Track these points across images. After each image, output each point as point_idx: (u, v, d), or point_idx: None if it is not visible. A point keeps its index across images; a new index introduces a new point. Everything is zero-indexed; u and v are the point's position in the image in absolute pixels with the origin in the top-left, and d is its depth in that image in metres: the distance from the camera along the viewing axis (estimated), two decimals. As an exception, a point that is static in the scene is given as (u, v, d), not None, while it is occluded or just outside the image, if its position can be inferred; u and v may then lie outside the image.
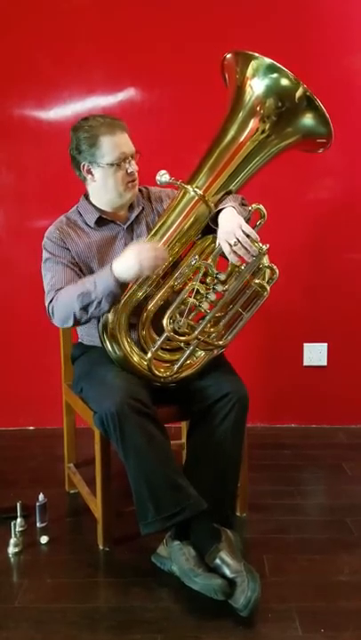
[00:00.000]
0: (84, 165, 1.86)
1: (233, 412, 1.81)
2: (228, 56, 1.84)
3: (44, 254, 1.91)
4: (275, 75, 1.75)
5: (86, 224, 1.93)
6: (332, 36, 2.64)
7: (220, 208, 1.78)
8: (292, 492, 2.24)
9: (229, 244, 1.72)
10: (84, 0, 2.63)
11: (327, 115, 1.78)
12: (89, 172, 1.87)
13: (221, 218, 1.76)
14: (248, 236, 1.71)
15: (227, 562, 1.65)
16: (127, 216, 1.95)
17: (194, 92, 2.61)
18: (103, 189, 1.89)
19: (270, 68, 1.75)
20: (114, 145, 1.82)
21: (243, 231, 1.71)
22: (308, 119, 1.79)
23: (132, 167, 1.85)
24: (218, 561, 1.66)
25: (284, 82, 1.76)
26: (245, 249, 1.71)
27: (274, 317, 2.76)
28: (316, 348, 2.81)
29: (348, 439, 2.71)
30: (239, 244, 1.71)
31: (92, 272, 1.88)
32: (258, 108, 1.78)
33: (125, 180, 1.86)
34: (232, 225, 1.72)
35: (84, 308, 1.76)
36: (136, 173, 1.88)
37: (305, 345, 2.81)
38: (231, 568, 1.64)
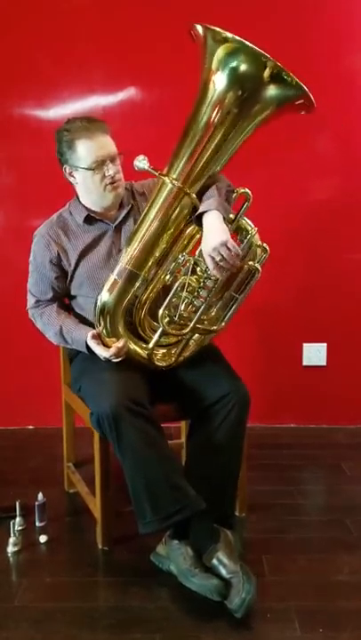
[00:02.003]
0: (66, 168, 1.89)
1: (233, 413, 1.81)
2: (199, 29, 1.79)
3: (31, 252, 2.00)
4: (235, 62, 1.70)
5: (76, 223, 1.95)
6: (333, 36, 2.63)
7: (203, 210, 1.74)
8: (292, 492, 2.24)
9: (214, 260, 1.70)
10: (84, 0, 2.63)
11: (291, 76, 1.69)
12: (71, 174, 1.90)
13: (206, 227, 1.73)
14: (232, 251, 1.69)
15: (224, 562, 1.65)
16: (116, 215, 1.96)
17: (194, 91, 2.60)
18: (85, 191, 1.91)
19: (233, 54, 1.70)
20: (90, 149, 1.83)
21: (227, 247, 1.69)
22: (272, 90, 1.73)
23: (111, 170, 1.85)
24: (215, 561, 1.66)
25: (244, 67, 1.70)
26: (230, 264, 1.71)
27: (273, 317, 2.76)
28: (315, 348, 2.81)
29: (347, 439, 2.71)
30: (224, 261, 1.70)
31: (75, 270, 1.93)
32: (218, 107, 1.75)
33: (104, 182, 1.86)
34: (217, 240, 1.69)
35: (60, 343, 1.97)
36: (118, 175, 1.87)
37: (304, 345, 2.81)
38: (228, 569, 1.64)
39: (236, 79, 1.73)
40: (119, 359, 1.78)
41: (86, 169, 1.85)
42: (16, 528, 1.94)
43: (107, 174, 1.85)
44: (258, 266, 1.80)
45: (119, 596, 1.70)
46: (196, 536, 1.72)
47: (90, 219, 1.94)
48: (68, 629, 1.58)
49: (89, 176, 1.86)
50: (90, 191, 1.90)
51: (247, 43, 1.69)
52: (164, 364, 1.84)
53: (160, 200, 1.78)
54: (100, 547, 1.92)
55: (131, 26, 2.61)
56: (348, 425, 2.83)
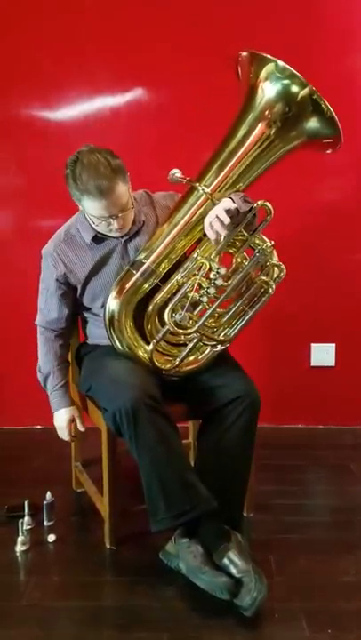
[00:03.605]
0: (74, 200, 1.84)
1: (244, 417, 1.80)
2: (244, 54, 1.84)
3: (41, 270, 1.99)
4: (287, 80, 1.76)
5: (84, 240, 1.91)
6: (334, 36, 2.62)
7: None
8: (299, 493, 2.24)
9: (210, 222, 1.74)
10: (87, 0, 2.63)
11: (334, 116, 1.76)
12: (78, 206, 1.86)
13: None
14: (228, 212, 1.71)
15: (235, 562, 1.65)
16: (126, 231, 1.89)
17: (198, 91, 2.60)
18: (91, 224, 1.88)
19: (283, 73, 1.75)
20: (95, 208, 1.77)
21: (223, 209, 1.71)
22: (312, 122, 1.79)
23: (116, 224, 1.81)
24: (226, 560, 1.66)
25: (295, 88, 1.76)
26: (220, 222, 1.71)
27: (281, 317, 2.75)
28: (323, 348, 2.81)
29: (355, 440, 2.70)
30: (216, 218, 1.72)
31: (85, 286, 1.93)
32: (266, 113, 1.79)
33: (109, 228, 1.84)
34: (219, 206, 1.73)
35: (39, 378, 2.07)
36: (125, 222, 1.83)
37: (313, 345, 2.81)
38: (239, 568, 1.64)
39: (285, 94, 1.78)
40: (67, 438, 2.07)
41: (91, 216, 1.82)
42: (24, 527, 1.95)
43: (108, 228, 1.83)
44: (272, 283, 1.80)
45: (126, 595, 1.71)
46: (206, 535, 1.72)
47: (98, 238, 1.90)
48: (74, 628, 1.59)
49: (93, 220, 1.84)
50: (93, 226, 1.88)
51: (298, 74, 1.75)
52: (165, 368, 1.81)
53: (187, 204, 1.83)
54: (107, 546, 1.92)
55: (134, 25, 2.61)
56: (357, 426, 2.81)
